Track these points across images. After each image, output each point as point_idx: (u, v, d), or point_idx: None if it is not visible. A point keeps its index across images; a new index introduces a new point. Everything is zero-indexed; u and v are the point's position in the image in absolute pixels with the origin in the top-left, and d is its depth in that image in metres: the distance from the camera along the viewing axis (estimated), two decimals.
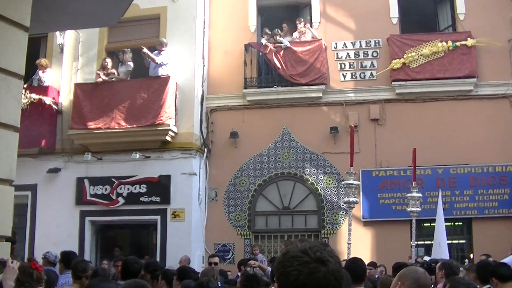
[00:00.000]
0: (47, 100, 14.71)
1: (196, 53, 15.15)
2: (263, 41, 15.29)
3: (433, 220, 11.95)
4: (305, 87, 15.07)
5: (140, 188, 14.56)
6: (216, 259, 9.59)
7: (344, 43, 15.40)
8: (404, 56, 14.66)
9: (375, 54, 15.24)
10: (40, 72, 15.22)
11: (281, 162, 15.07)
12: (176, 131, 14.55)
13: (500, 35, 14.57)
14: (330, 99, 15.17)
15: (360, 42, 15.35)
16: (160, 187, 14.47)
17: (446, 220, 11.85)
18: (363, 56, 15.30)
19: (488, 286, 6.64)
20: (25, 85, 13.33)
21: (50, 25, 6.37)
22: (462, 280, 5.49)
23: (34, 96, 14.43)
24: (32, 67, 14.47)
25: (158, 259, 13.59)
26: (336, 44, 15.40)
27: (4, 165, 4.40)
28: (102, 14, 5.67)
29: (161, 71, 14.62)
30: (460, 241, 14.53)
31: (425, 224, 13.84)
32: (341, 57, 15.34)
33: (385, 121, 14.85)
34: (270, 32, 15.46)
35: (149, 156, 14.59)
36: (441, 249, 10.97)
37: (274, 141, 15.20)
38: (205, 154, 15.12)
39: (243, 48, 15.53)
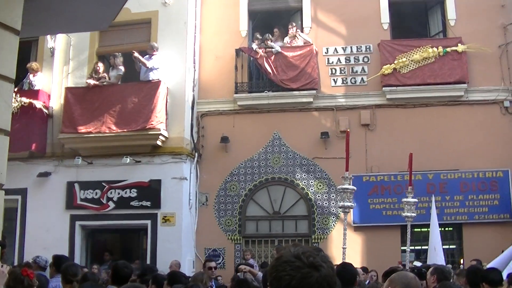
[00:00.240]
0: (38, 104, 14.66)
1: (187, 58, 15.14)
2: (254, 46, 15.25)
3: (424, 226, 11.99)
4: (296, 92, 15.06)
5: (130, 192, 14.52)
6: (213, 264, 9.60)
7: (335, 48, 15.43)
8: (395, 62, 14.70)
9: (366, 60, 15.27)
10: (31, 76, 15.18)
11: (272, 167, 15.07)
12: (167, 136, 14.52)
13: (490, 41, 14.66)
14: (321, 104, 15.18)
15: (351, 47, 15.38)
16: (150, 191, 14.43)
17: None
18: (354, 61, 15.32)
19: None
20: (16, 89, 13.29)
21: (41, 29, 6.33)
22: (453, 285, 5.51)
23: (25, 99, 14.38)
24: (22, 71, 14.38)
25: (148, 263, 13.53)
26: (327, 49, 15.43)
27: None
28: (93, 18, 5.64)
29: (152, 76, 14.59)
30: (451, 246, 14.52)
31: (415, 229, 13.83)
32: (332, 62, 15.36)
33: (375, 126, 14.87)
34: (261, 37, 15.43)
35: (139, 160, 14.55)
36: (436, 253, 11.01)
37: (264, 146, 15.19)
38: (195, 159, 15.09)
39: (234, 52, 15.52)
